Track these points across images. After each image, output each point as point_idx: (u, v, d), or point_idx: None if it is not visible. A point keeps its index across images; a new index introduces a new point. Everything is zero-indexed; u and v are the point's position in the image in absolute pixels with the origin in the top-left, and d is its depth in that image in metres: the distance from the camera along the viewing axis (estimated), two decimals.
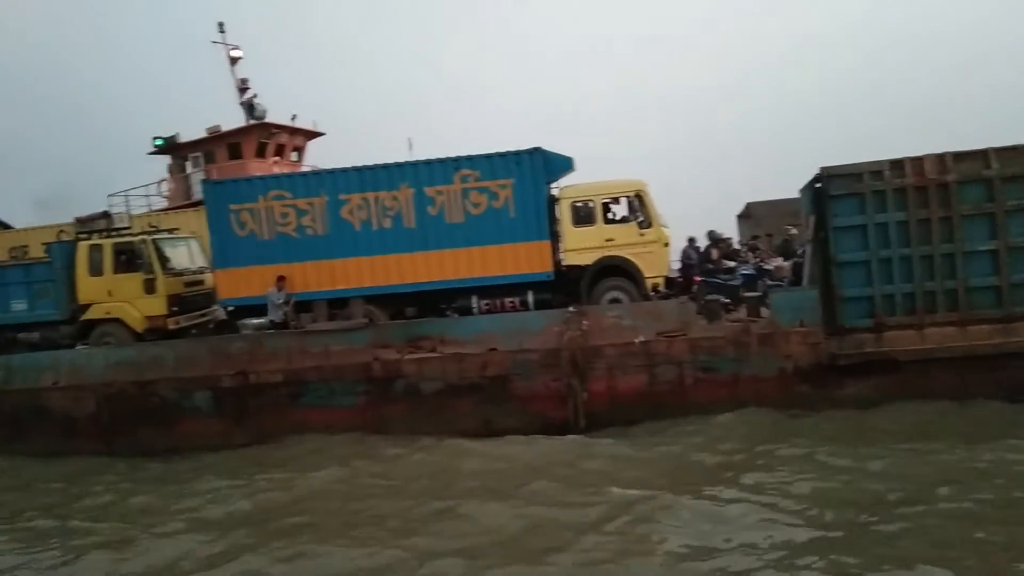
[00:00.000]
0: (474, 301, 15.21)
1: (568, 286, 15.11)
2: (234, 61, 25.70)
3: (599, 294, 14.93)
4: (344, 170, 15.48)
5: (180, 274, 16.59)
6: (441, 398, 13.82)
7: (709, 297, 14.40)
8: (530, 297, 15.09)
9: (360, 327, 14.58)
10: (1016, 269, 12.34)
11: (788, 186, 15.16)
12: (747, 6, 73.64)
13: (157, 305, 15.93)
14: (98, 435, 14.76)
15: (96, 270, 16.04)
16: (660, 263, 14.97)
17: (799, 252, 15.12)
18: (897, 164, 12.61)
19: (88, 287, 16.07)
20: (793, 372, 12.94)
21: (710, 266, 16.68)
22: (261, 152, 24.79)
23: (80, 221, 17.10)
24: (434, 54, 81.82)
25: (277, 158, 25.12)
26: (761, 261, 16.95)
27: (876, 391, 12.51)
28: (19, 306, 16.47)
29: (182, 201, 24.76)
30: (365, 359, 14.13)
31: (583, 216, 15.02)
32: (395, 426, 13.71)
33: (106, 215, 17.18)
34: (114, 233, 16.84)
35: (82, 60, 74.76)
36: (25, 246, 22.05)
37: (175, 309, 16.14)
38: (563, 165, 15.31)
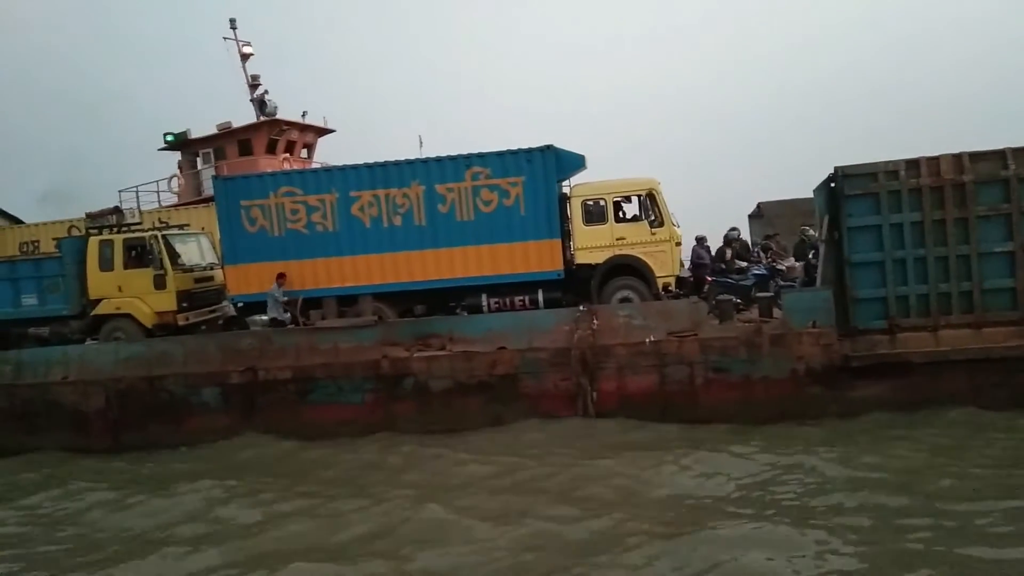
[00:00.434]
0: (484, 299, 15.15)
1: (578, 285, 15.03)
2: (245, 58, 25.77)
3: (609, 293, 14.83)
4: (355, 167, 15.45)
5: (190, 270, 16.59)
6: (450, 396, 13.77)
7: (721, 297, 14.31)
8: (540, 296, 15.01)
9: (369, 324, 14.53)
10: None
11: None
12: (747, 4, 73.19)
13: (167, 301, 15.92)
14: (107, 430, 14.79)
15: (106, 265, 16.05)
16: (671, 262, 14.85)
17: (811, 256, 15.01)
18: (913, 164, 12.47)
19: (98, 282, 16.08)
20: (805, 373, 12.81)
21: (722, 266, 16.57)
22: (271, 149, 24.84)
23: (91, 216, 17.12)
24: (441, 52, 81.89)
25: (287, 155, 25.16)
26: (774, 261, 16.82)
27: (889, 393, 12.38)
28: (29, 301, 16.48)
29: (192, 197, 24.84)
30: (374, 356, 14.09)
31: (594, 215, 14.93)
32: (404, 424, 13.68)
33: (117, 210, 17.21)
34: (124, 228, 16.86)
35: (92, 56, 75.08)
36: (36, 241, 22.18)
37: (185, 305, 16.15)
38: (575, 163, 15.23)
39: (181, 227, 18.39)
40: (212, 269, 17.27)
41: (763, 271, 16.29)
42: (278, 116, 25.15)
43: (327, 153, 26.59)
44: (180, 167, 26.07)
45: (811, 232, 14.15)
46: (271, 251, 15.38)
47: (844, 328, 12.75)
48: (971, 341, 12.26)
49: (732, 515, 8.96)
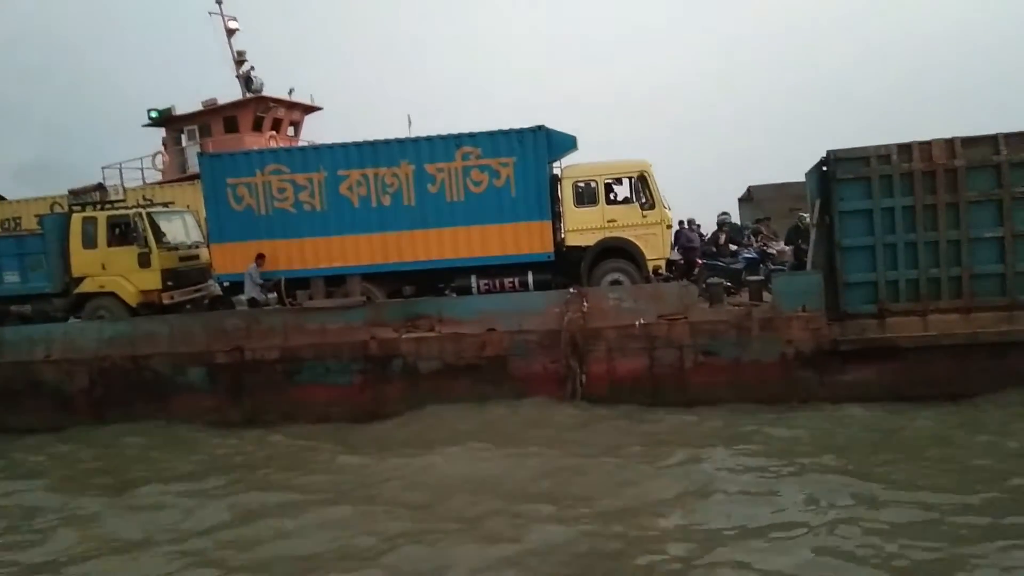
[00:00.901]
0: (473, 281, 15.04)
1: (568, 267, 14.94)
2: (231, 33, 25.37)
3: (600, 276, 14.76)
4: (344, 145, 15.22)
5: (175, 248, 16.37)
6: (438, 378, 13.69)
7: (711, 280, 14.29)
8: (530, 278, 14.90)
9: (357, 305, 14.40)
10: (1022, 257, 12.20)
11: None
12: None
13: (151, 279, 15.72)
14: (91, 409, 14.64)
15: (90, 243, 15.80)
16: (662, 245, 14.79)
17: (800, 243, 14.99)
18: (905, 148, 12.43)
19: (81, 260, 15.84)
20: (794, 357, 12.81)
21: (714, 249, 16.54)
22: (258, 126, 24.54)
23: (73, 193, 16.82)
24: (430, 37, 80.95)
25: (273, 132, 24.87)
26: (764, 245, 16.81)
27: (878, 377, 12.43)
28: (11, 278, 16.23)
29: (177, 175, 24.53)
30: (362, 337, 13.99)
31: (585, 196, 14.82)
32: (392, 405, 13.60)
33: (100, 187, 16.87)
34: (108, 206, 16.59)
35: (75, 29, 73.67)
36: (18, 218, 21.80)
37: (170, 284, 15.94)
38: (566, 144, 15.08)
39: (166, 205, 18.12)
40: (197, 248, 17.05)
41: (753, 255, 16.28)
42: (264, 93, 24.82)
43: (314, 132, 26.29)
44: (164, 144, 25.72)
45: (807, 218, 14.09)
46: (258, 230, 15.17)
47: (834, 312, 12.76)
48: (960, 326, 12.30)
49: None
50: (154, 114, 25.26)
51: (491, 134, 14.78)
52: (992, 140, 12.25)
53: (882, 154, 12.47)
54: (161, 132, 25.92)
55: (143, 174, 24.55)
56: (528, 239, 14.77)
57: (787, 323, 12.84)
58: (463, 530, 8.50)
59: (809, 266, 13.35)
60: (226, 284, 15.98)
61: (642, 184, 14.72)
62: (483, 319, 13.78)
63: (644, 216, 14.62)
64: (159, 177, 24.58)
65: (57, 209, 18.84)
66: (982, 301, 12.35)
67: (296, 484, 10.58)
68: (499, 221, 14.77)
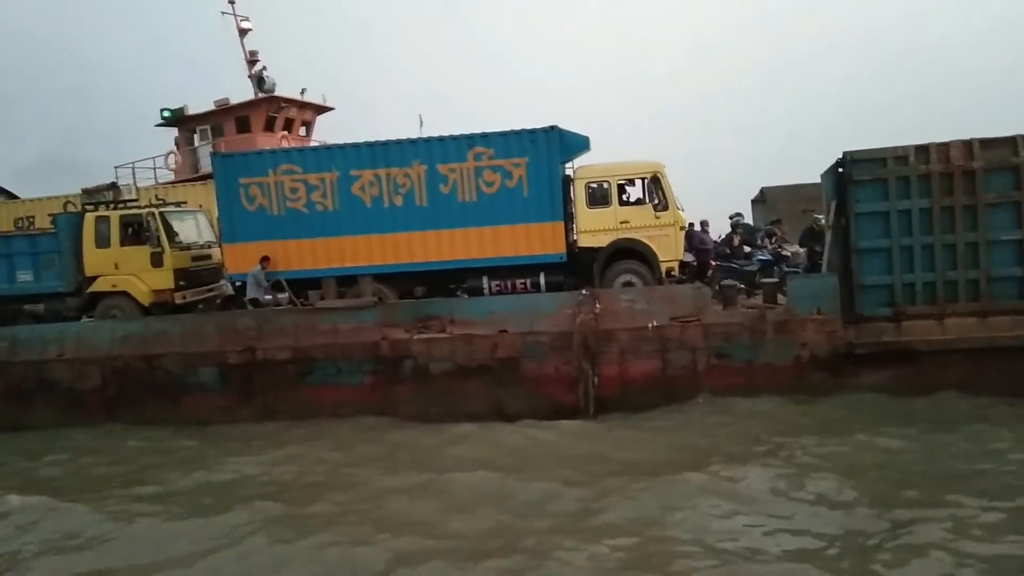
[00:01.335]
0: (485, 282, 14.99)
1: (581, 268, 14.87)
2: (243, 33, 25.40)
3: (612, 277, 14.68)
4: (356, 145, 15.21)
5: (187, 248, 16.40)
6: (450, 379, 13.64)
7: (725, 282, 14.19)
8: (542, 279, 14.84)
9: (369, 305, 14.38)
10: None
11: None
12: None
13: (164, 279, 15.75)
14: (103, 408, 14.65)
15: (103, 242, 15.85)
16: (675, 247, 14.69)
17: (815, 246, 14.86)
18: (922, 150, 12.32)
19: (94, 259, 15.88)
20: (809, 360, 12.71)
21: (727, 251, 16.43)
22: (270, 126, 24.56)
23: (86, 192, 16.89)
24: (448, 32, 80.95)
25: (286, 132, 24.89)
26: (778, 247, 16.69)
27: (893, 381, 12.30)
28: (25, 277, 16.27)
29: (189, 174, 24.59)
30: (373, 338, 13.95)
31: (598, 197, 14.75)
32: (403, 407, 13.57)
33: (113, 186, 16.94)
34: (121, 205, 16.64)
35: (87, 29, 74.02)
36: (31, 216, 21.90)
37: (182, 283, 15.98)
38: (579, 144, 15.01)
39: (178, 204, 18.15)
40: (210, 247, 17.08)
41: (768, 257, 16.16)
42: (277, 93, 24.85)
43: (326, 132, 26.31)
44: (177, 144, 25.79)
45: (822, 221, 13.94)
46: (270, 230, 15.18)
47: (849, 315, 12.65)
48: (977, 330, 12.17)
49: None
50: (166, 114, 25.34)
51: (503, 134, 14.73)
52: (1011, 142, 12.15)
53: (899, 155, 12.37)
54: (174, 132, 26.00)
55: (155, 173, 24.72)
56: (540, 240, 14.71)
57: (802, 326, 12.74)
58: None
59: (824, 268, 13.24)
60: (238, 284, 15.97)
61: (655, 185, 14.63)
62: (495, 320, 13.73)
63: (657, 217, 14.54)
64: (171, 177, 24.65)
65: (70, 208, 18.88)
66: (1000, 304, 12.24)
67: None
68: (511, 222, 14.73)
